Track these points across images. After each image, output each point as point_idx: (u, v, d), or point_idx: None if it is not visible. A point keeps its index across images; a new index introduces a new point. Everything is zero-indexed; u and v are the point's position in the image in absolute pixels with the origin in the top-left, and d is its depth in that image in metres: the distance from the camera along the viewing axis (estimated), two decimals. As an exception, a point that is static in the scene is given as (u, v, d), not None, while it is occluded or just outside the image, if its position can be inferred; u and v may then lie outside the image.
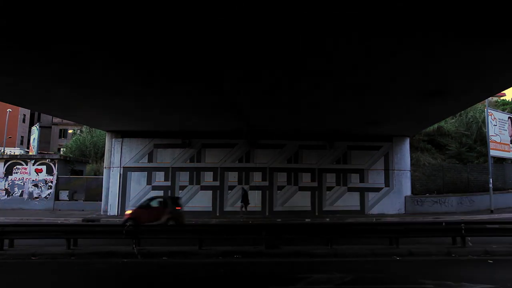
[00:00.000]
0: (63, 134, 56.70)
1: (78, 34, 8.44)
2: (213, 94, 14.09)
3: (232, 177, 22.51)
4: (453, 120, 29.57)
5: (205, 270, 9.75)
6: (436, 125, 26.97)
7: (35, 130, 33.77)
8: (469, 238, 10.73)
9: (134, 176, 22.33)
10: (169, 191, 22.15)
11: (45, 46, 9.18)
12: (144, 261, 10.75)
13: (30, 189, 24.43)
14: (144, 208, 17.38)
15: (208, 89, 13.35)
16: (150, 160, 22.41)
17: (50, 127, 55.91)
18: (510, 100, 41.42)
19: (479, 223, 13.30)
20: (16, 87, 13.00)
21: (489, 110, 23.48)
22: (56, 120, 54.93)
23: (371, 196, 22.35)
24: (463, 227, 10.45)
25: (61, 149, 47.17)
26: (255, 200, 22.21)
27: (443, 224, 11.91)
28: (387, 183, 22.49)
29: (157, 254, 11.20)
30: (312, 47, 9.20)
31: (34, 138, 33.81)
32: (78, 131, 43.74)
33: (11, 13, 7.42)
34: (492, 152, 22.72)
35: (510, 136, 24.71)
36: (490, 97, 23.51)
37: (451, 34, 8.39)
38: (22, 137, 54.16)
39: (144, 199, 19.77)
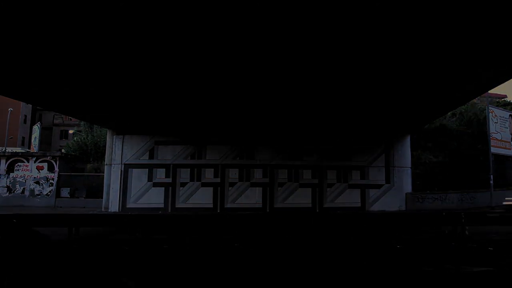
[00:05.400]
0: (64, 135, 56.72)
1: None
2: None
3: (233, 174, 22.52)
4: (454, 119, 29.61)
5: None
6: (437, 123, 27.02)
7: (36, 129, 33.85)
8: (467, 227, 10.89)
9: (135, 173, 22.31)
10: (170, 188, 22.17)
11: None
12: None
13: (32, 186, 24.46)
14: None
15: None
16: (151, 157, 22.41)
17: (51, 128, 55.96)
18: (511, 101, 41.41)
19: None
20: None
21: (490, 108, 23.52)
22: (57, 121, 55.04)
23: (372, 193, 22.33)
24: (463, 215, 10.53)
25: (62, 150, 47.22)
26: (256, 197, 22.24)
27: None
28: (387, 180, 22.47)
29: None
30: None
31: (35, 137, 33.88)
32: (79, 132, 43.74)
33: None
34: (493, 150, 22.74)
35: (511, 134, 24.73)
36: (491, 97, 23.59)
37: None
38: (23, 137, 54.19)
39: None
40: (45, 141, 48.27)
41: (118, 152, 22.40)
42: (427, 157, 26.89)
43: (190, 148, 22.46)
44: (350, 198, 22.22)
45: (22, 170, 24.68)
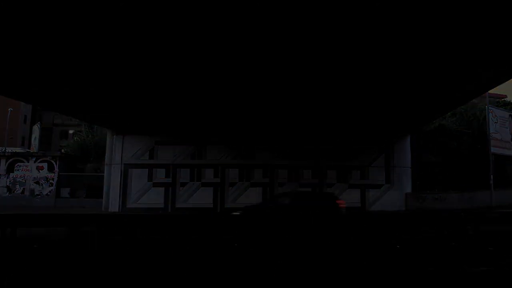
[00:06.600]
0: (64, 135, 56.64)
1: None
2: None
3: (233, 174, 22.51)
4: (454, 119, 29.58)
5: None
6: (437, 123, 27.01)
7: (36, 129, 33.85)
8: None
9: (135, 173, 22.33)
10: (170, 188, 22.16)
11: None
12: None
13: (32, 186, 24.45)
14: None
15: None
16: (151, 157, 22.42)
17: (51, 128, 55.87)
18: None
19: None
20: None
21: (490, 108, 23.51)
22: (57, 121, 54.98)
23: (372, 193, 22.33)
24: (463, 215, 10.56)
25: (62, 150, 47.16)
26: (256, 197, 22.22)
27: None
28: (387, 180, 22.49)
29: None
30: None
31: (35, 137, 33.89)
32: (79, 132, 43.70)
33: None
34: (493, 150, 22.73)
35: (511, 134, 24.72)
36: (491, 97, 23.61)
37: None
38: (23, 137, 54.16)
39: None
40: (45, 141, 48.16)
41: (118, 152, 22.40)
42: (427, 157, 26.88)
43: (190, 148, 22.46)
44: (350, 198, 22.05)
45: (22, 170, 24.67)
